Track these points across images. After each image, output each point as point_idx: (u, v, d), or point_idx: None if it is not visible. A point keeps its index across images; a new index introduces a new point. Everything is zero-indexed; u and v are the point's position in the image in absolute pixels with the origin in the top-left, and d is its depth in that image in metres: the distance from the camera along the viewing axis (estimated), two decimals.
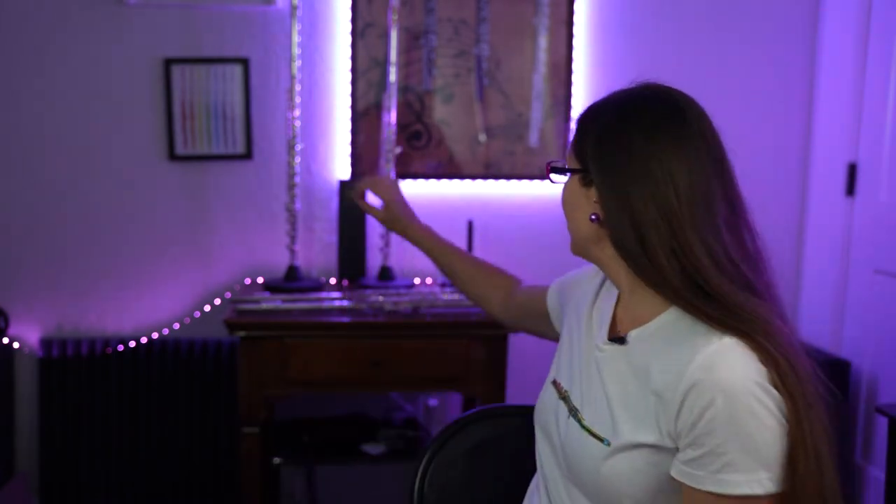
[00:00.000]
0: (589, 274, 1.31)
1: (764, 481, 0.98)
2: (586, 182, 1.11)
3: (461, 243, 2.70)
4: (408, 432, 2.54)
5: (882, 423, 2.40)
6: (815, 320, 2.82)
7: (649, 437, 1.04)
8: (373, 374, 2.27)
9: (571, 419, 1.15)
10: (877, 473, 2.53)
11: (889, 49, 2.54)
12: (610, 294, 1.20)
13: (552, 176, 1.18)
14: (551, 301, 1.41)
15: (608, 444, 1.08)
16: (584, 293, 1.27)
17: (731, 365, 0.98)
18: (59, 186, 2.66)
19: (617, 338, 1.12)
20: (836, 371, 2.55)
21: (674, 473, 1.03)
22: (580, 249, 1.17)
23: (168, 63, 2.61)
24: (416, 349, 2.29)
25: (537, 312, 1.45)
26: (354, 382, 2.31)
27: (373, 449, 2.48)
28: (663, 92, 1.10)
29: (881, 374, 2.55)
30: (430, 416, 2.65)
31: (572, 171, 1.13)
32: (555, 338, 1.40)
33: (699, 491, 1.00)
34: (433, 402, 2.66)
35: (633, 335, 1.10)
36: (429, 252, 1.71)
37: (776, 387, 0.99)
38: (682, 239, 1.02)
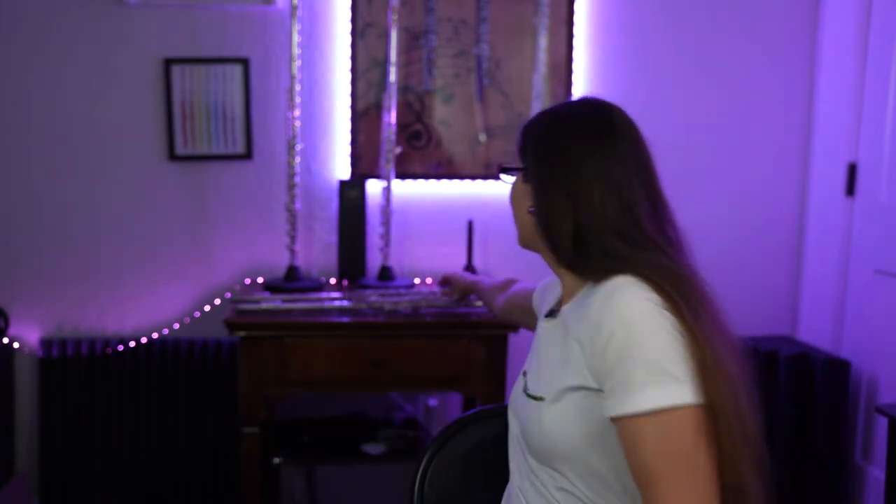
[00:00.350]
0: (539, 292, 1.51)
1: (676, 392, 1.01)
2: (526, 179, 1.27)
3: (461, 243, 2.70)
4: (408, 432, 2.54)
5: (882, 423, 2.40)
6: (815, 320, 2.82)
7: (575, 380, 1.12)
8: (373, 374, 2.27)
9: (523, 394, 1.25)
10: (877, 473, 2.53)
11: (889, 49, 2.54)
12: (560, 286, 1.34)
13: (501, 176, 1.36)
14: (535, 299, 1.54)
15: (539, 399, 1.18)
16: (555, 293, 1.38)
17: (623, 295, 1.08)
18: (60, 186, 2.66)
19: (551, 311, 1.31)
20: (836, 371, 2.55)
21: (605, 414, 1.08)
22: (525, 241, 1.31)
23: (168, 63, 2.62)
24: (416, 349, 2.29)
25: (524, 308, 1.65)
26: (354, 382, 2.31)
27: (373, 449, 2.48)
28: (598, 104, 1.25)
29: (881, 374, 2.55)
30: (430, 416, 2.65)
31: (516, 170, 1.32)
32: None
33: (623, 419, 1.04)
34: (433, 402, 2.66)
35: (564, 309, 1.24)
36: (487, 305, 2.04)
37: (668, 310, 1.06)
38: (588, 226, 1.16)
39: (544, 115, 1.30)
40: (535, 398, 1.20)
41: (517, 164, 1.32)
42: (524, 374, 1.30)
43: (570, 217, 1.18)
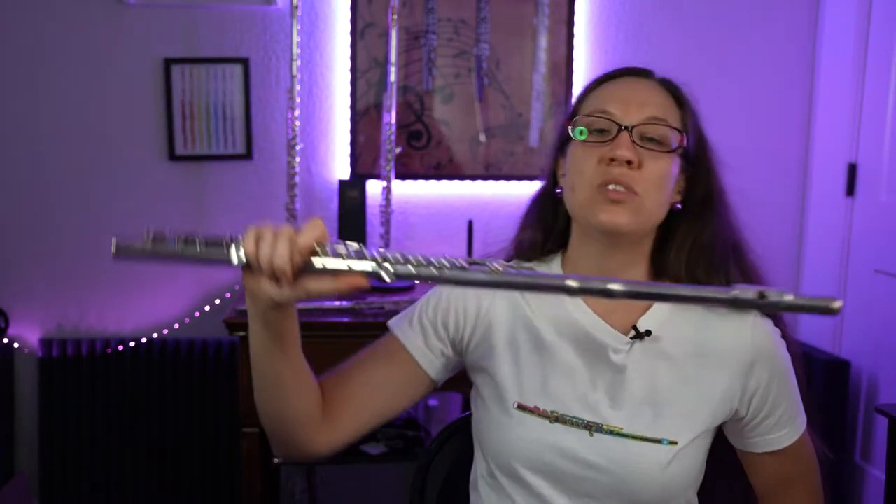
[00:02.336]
0: (468, 294, 1.16)
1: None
2: (686, 148, 1.12)
3: (461, 243, 2.70)
4: (408, 432, 2.54)
5: (882, 423, 2.41)
6: (815, 320, 2.82)
7: (720, 417, 1.09)
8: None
9: (599, 434, 1.06)
10: (877, 473, 2.53)
11: (889, 49, 2.54)
12: (546, 298, 1.13)
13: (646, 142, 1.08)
14: (430, 341, 1.16)
15: (669, 443, 1.05)
16: (499, 307, 1.15)
17: (777, 334, 1.13)
18: (59, 186, 2.66)
19: (640, 333, 1.09)
20: (836, 371, 2.55)
21: (771, 447, 1.13)
22: (641, 226, 1.07)
23: (168, 63, 2.61)
24: None
25: (396, 377, 1.15)
26: None
27: (373, 449, 2.48)
28: None
29: (881, 374, 2.55)
30: (430, 416, 2.65)
31: (679, 135, 1.10)
32: (423, 391, 1.18)
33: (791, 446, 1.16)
34: (433, 402, 2.66)
35: (653, 326, 1.10)
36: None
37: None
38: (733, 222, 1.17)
39: (686, 91, 1.17)
40: (647, 440, 1.05)
41: (667, 131, 1.08)
42: (540, 409, 1.08)
43: (726, 229, 1.13)
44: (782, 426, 1.13)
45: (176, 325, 2.72)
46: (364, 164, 2.70)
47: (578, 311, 1.12)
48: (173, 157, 2.66)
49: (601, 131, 1.08)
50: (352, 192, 2.64)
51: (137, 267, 2.70)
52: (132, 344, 2.65)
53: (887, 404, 2.17)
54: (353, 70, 2.67)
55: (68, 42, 2.61)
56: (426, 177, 2.74)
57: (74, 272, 2.69)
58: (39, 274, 2.68)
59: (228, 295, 2.70)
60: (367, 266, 0.89)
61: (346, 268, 0.90)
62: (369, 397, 1.13)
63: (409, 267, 0.88)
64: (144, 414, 2.67)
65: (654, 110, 1.08)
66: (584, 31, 2.75)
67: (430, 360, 1.15)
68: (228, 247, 0.96)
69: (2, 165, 2.64)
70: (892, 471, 2.10)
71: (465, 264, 0.88)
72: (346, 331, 2.28)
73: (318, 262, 0.90)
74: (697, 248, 1.11)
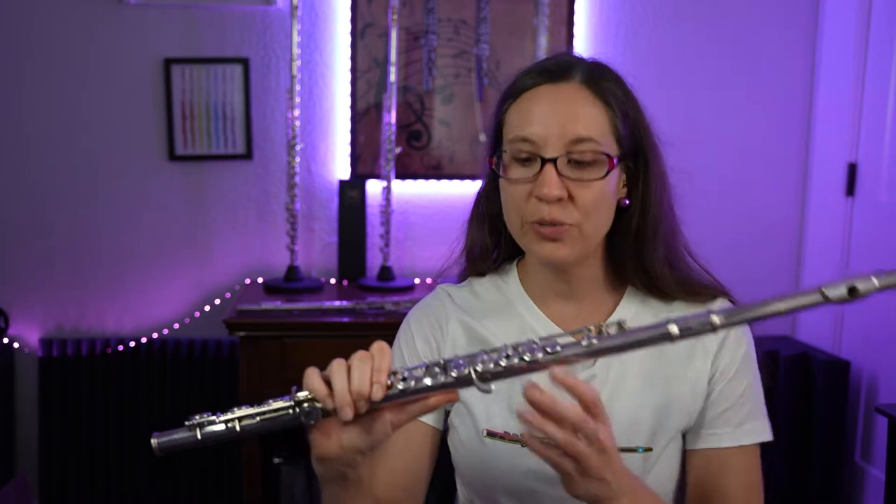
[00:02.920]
0: (415, 336, 1.14)
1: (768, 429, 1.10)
2: (626, 158, 1.07)
3: (461, 243, 2.69)
4: None
5: (882, 423, 2.40)
6: (815, 320, 2.81)
7: (690, 420, 1.06)
8: None
9: None
10: (877, 473, 2.53)
11: (889, 49, 2.54)
12: (502, 312, 1.12)
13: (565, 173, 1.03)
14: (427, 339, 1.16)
15: (645, 450, 1.04)
16: (452, 334, 1.13)
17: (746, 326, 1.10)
18: (60, 186, 2.66)
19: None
20: (836, 371, 2.55)
21: (730, 443, 1.06)
22: (586, 247, 1.05)
23: (168, 63, 2.61)
24: None
25: (416, 449, 1.11)
26: None
27: None
28: None
29: (881, 374, 2.55)
30: None
31: (611, 156, 1.03)
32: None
33: (747, 447, 1.08)
34: None
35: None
36: None
37: None
38: (676, 224, 1.12)
39: (615, 74, 1.08)
40: (626, 450, 1.02)
41: (597, 148, 1.01)
42: (510, 434, 1.05)
43: (671, 211, 1.09)
44: (738, 420, 1.06)
45: (176, 325, 2.72)
46: (364, 164, 2.70)
47: (538, 322, 1.10)
48: (173, 157, 2.66)
49: (526, 159, 1.03)
50: (352, 192, 2.64)
51: (137, 267, 2.71)
52: (132, 344, 2.65)
53: (887, 404, 2.17)
54: (353, 70, 2.67)
55: (68, 42, 2.61)
56: (426, 177, 2.74)
57: (74, 272, 2.68)
58: (39, 274, 2.68)
59: (228, 295, 2.70)
60: (453, 377, 0.81)
61: (431, 384, 0.82)
62: (414, 483, 1.09)
63: (502, 363, 0.81)
64: (144, 414, 2.67)
65: (579, 127, 1.00)
66: (584, 31, 2.75)
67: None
68: (298, 404, 0.83)
69: (1, 165, 2.64)
70: (892, 471, 2.09)
71: (557, 346, 0.82)
72: (346, 331, 2.28)
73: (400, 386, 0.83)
74: (649, 236, 1.07)
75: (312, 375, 0.84)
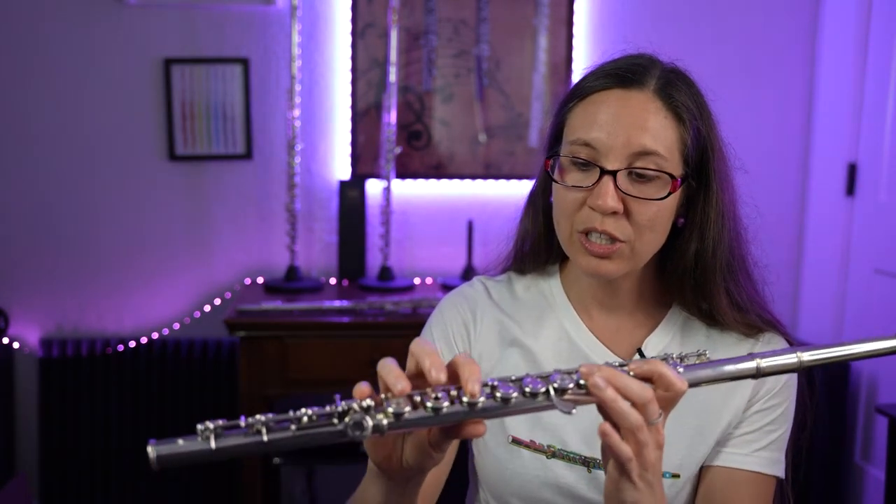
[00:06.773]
0: (452, 328, 1.12)
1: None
2: (690, 179, 1.03)
3: (461, 243, 2.70)
4: None
5: (882, 423, 2.40)
6: (815, 320, 2.81)
7: (713, 446, 1.04)
8: (373, 374, 2.27)
9: (598, 471, 1.01)
10: (877, 473, 2.53)
11: (889, 49, 2.54)
12: (542, 317, 1.09)
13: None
14: (461, 333, 1.15)
15: (672, 476, 1.02)
16: (485, 332, 1.11)
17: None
18: (60, 186, 2.66)
19: (644, 357, 1.05)
20: (836, 371, 2.55)
21: (746, 466, 1.04)
22: (635, 265, 1.01)
23: (168, 63, 2.61)
24: None
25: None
26: (354, 382, 2.30)
27: None
28: None
29: (881, 374, 2.55)
30: None
31: (676, 180, 0.99)
32: None
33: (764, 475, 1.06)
34: None
35: (658, 348, 1.06)
36: None
37: None
38: (741, 252, 1.08)
39: (693, 84, 1.07)
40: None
41: (661, 163, 0.97)
42: (536, 444, 1.04)
43: (737, 240, 1.05)
44: (758, 445, 1.05)
45: (176, 325, 2.72)
46: (364, 164, 2.70)
47: (579, 334, 1.07)
48: (173, 157, 2.66)
49: (584, 164, 0.98)
50: (352, 192, 2.64)
51: (137, 267, 2.70)
52: (132, 344, 2.65)
53: (887, 404, 2.17)
54: (354, 70, 2.67)
55: (68, 42, 2.61)
56: (426, 177, 2.74)
57: (74, 272, 2.69)
58: (39, 274, 2.68)
59: (228, 295, 2.70)
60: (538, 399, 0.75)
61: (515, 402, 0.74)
62: (433, 494, 1.08)
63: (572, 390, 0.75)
64: (144, 414, 2.67)
65: (646, 139, 0.96)
66: (584, 31, 2.75)
67: None
68: (359, 421, 0.75)
69: (1, 165, 2.64)
70: (892, 471, 2.10)
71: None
72: (346, 331, 2.28)
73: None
74: (709, 263, 1.02)
75: (360, 390, 0.76)
